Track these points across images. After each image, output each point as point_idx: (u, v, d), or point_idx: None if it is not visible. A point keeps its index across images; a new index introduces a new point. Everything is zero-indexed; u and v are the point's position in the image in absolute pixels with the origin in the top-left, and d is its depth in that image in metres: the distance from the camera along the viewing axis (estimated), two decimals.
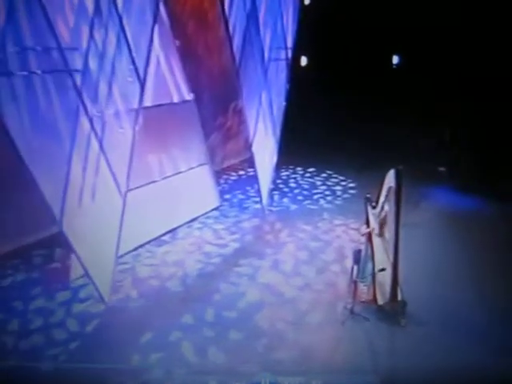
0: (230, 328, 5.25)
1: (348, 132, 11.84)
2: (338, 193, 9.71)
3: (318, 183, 10.32)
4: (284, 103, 8.94)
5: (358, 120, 11.89)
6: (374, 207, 5.76)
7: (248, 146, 8.40)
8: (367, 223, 5.83)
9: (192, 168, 8.13)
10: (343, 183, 10.31)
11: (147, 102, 6.82)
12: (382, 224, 5.67)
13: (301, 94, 12.12)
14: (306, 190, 9.91)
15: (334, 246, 7.26)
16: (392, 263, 5.46)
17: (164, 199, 7.56)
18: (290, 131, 12.18)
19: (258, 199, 8.73)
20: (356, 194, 9.49)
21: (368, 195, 5.92)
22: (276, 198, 9.40)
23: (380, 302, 5.52)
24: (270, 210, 8.71)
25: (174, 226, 7.84)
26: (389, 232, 5.57)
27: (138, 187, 7.00)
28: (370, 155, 10.53)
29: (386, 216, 5.58)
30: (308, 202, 9.20)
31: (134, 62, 5.68)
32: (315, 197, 9.45)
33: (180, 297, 5.93)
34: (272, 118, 8.64)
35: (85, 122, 5.11)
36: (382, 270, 5.42)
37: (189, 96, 7.86)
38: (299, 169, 11.33)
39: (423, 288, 5.88)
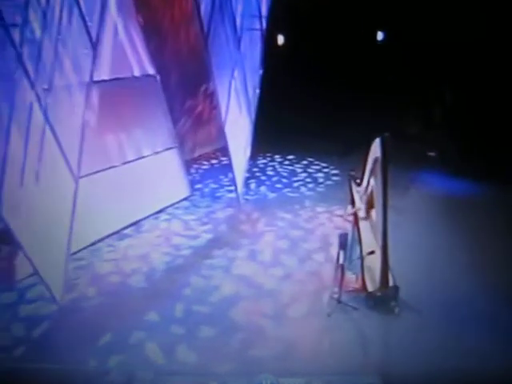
0: (202, 324, 4.96)
1: (329, 117, 11.64)
2: (320, 180, 9.59)
3: (299, 171, 10.17)
4: (260, 74, 8.60)
5: (340, 104, 11.69)
6: (358, 184, 5.52)
7: (221, 134, 8.10)
8: (352, 203, 5.59)
9: (157, 152, 7.76)
10: (325, 170, 10.19)
11: (103, 75, 6.42)
12: (369, 202, 5.45)
13: (277, 77, 11.98)
14: (285, 177, 9.74)
15: (318, 234, 7.10)
16: (381, 245, 5.23)
17: (126, 187, 7.19)
18: (267, 117, 12.08)
19: (232, 188, 8.50)
20: (339, 181, 9.33)
21: (352, 172, 5.68)
22: (252, 186, 9.21)
23: (370, 288, 5.30)
24: (246, 199, 8.50)
25: (138, 217, 7.46)
26: (376, 211, 5.35)
27: (94, 173, 6.60)
28: (353, 140, 10.35)
29: (372, 193, 5.34)
30: (288, 189, 9.03)
31: (85, 24, 5.27)
32: (295, 184, 9.30)
33: (144, 293, 5.60)
34: (247, 96, 8.34)
35: (26, 89, 4.69)
36: (371, 252, 5.19)
37: (152, 70, 7.46)
38: (277, 156, 11.15)
39: (416, 273, 5.76)
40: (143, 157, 7.51)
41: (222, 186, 9.12)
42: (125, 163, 7.20)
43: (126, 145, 7.19)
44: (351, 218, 5.61)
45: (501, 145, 9.77)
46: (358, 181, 5.55)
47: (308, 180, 9.57)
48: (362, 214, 5.55)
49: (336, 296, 5.29)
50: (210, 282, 5.76)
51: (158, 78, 7.64)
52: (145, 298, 5.52)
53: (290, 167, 10.42)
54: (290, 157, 11.05)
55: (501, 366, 4.27)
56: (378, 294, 5.21)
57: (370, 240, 5.43)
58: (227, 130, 7.84)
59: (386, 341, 4.80)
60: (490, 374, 4.17)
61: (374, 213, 5.44)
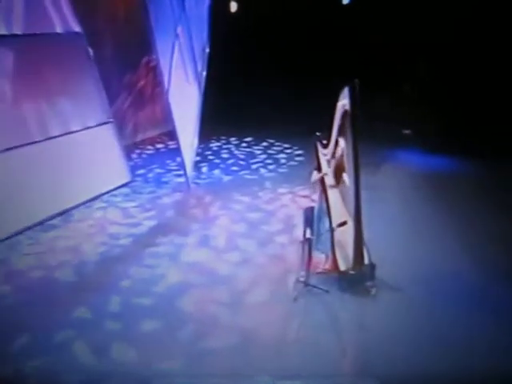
0: (144, 318, 4.62)
1: (290, 94, 11.52)
2: (283, 161, 9.55)
3: (257, 152, 10.12)
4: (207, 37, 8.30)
5: (303, 79, 11.56)
6: (325, 146, 5.29)
7: (168, 115, 7.74)
8: (319, 169, 5.35)
9: (89, 127, 7.28)
10: (288, 151, 10.16)
11: (16, 29, 5.93)
12: (338, 166, 5.22)
13: (228, 48, 11.78)
14: (242, 160, 9.64)
15: (280, 216, 6.97)
16: (354, 216, 5.00)
17: (50, 169, 6.69)
18: (220, 95, 11.92)
19: (181, 172, 8.28)
20: (304, 161, 9.21)
21: (318, 133, 5.44)
22: (204, 169, 8.97)
23: (342, 267, 5.05)
24: (197, 183, 8.27)
25: (67, 206, 6.98)
26: (348, 176, 5.12)
27: (8, 149, 6.07)
28: (319, 119, 10.33)
29: (342, 155, 5.12)
30: (245, 172, 8.91)
31: None
32: (254, 166, 9.19)
33: (73, 287, 5.20)
34: (194, 62, 8.01)
35: None
36: (342, 224, 4.96)
37: (78, 28, 7.00)
38: (233, 139, 10.98)
39: (394, 250, 5.70)
40: (72, 132, 7.00)
41: (169, 171, 8.93)
42: (48, 138, 6.67)
43: (50, 116, 6.66)
44: (318, 188, 5.35)
45: (478, 120, 9.98)
46: (325, 142, 5.30)
47: (268, 161, 9.49)
48: (330, 180, 5.30)
49: (303, 279, 5.03)
50: (153, 272, 5.48)
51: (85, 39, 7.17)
52: (73, 292, 5.12)
53: (248, 149, 10.35)
54: (248, 139, 10.93)
55: (493, 344, 4.19)
56: (352, 272, 4.97)
57: (340, 210, 5.21)
58: (174, 109, 7.54)
59: (361, 325, 4.59)
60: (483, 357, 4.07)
61: (344, 179, 5.19)
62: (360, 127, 4.79)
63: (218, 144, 10.72)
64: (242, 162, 9.45)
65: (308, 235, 5.00)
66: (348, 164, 5.11)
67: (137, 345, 4.30)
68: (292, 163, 9.38)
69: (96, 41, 7.91)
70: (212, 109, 11.85)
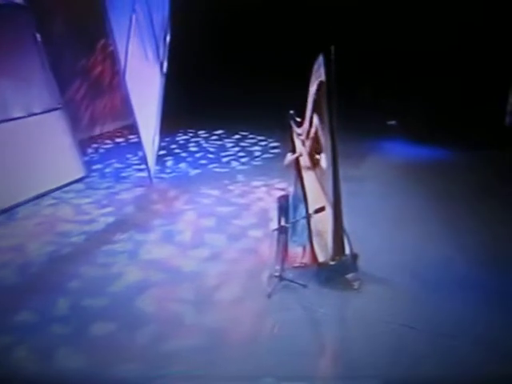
0: (96, 320, 4.47)
1: (265, 82, 11.49)
2: (257, 153, 9.56)
3: (229, 145, 10.11)
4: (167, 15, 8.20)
5: (279, 66, 11.53)
6: (300, 125, 5.21)
7: (128, 106, 7.61)
8: (293, 151, 5.26)
9: (35, 114, 7.09)
10: (263, 143, 10.18)
11: None
12: (314, 147, 5.13)
13: (195, 34, 11.73)
14: (212, 153, 9.60)
15: (254, 210, 6.95)
16: (332, 201, 4.94)
17: None
18: (187, 85, 11.88)
19: (142, 167, 8.22)
20: (280, 153, 9.12)
21: (292, 111, 5.35)
22: (170, 163, 8.93)
23: (321, 258, 4.96)
24: (161, 178, 8.18)
25: (10, 203, 6.78)
26: (324, 158, 5.05)
27: None
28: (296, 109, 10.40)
29: (317, 134, 5.04)
30: (215, 165, 8.87)
31: None
32: (225, 159, 9.16)
33: (15, 289, 5.01)
34: (154, 41, 7.89)
35: None
36: (320, 210, 4.85)
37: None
38: (202, 132, 10.93)
39: (378, 239, 5.74)
40: (13, 119, 6.80)
41: (130, 166, 8.89)
42: None
43: None
44: (293, 171, 5.25)
45: (464, 109, 10.19)
46: (300, 120, 5.21)
47: (241, 154, 9.49)
48: (305, 162, 5.21)
49: (278, 274, 4.94)
50: (108, 271, 5.38)
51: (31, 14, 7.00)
52: (15, 295, 4.94)
53: (219, 142, 10.35)
54: (219, 131, 10.89)
55: (484, 333, 4.19)
56: (332, 263, 4.89)
57: (317, 196, 5.11)
58: (133, 94, 7.42)
59: (343, 323, 4.53)
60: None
61: (321, 161, 5.11)
62: (338, 102, 4.70)
63: (186, 137, 10.72)
64: (211, 156, 9.42)
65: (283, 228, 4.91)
66: (324, 144, 5.03)
67: (87, 349, 4.13)
68: (267, 156, 9.36)
69: (44, 18, 7.77)
70: (179, 100, 11.90)
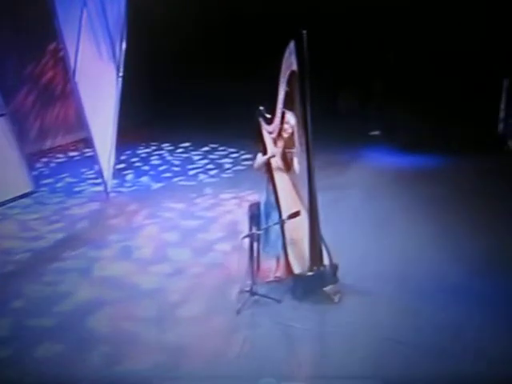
0: (42, 340, 4.39)
1: (238, 92, 11.58)
2: (227, 165, 9.68)
3: (196, 158, 10.22)
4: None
5: (250, 74, 11.64)
6: (270, 122, 5.19)
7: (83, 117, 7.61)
8: (264, 151, 5.24)
9: None
10: (234, 155, 10.32)
11: None
12: (287, 146, 5.13)
13: (158, 36, 11.83)
14: (176, 166, 9.72)
15: (223, 223, 6.99)
16: (308, 207, 4.93)
17: None
18: (150, 95, 11.96)
19: (98, 181, 8.27)
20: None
21: (261, 108, 5.34)
22: (130, 177, 9.04)
23: (297, 269, 4.93)
24: (119, 192, 8.25)
25: None
26: (299, 158, 5.05)
27: None
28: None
29: (290, 132, 5.05)
30: (180, 178, 8.96)
31: None
32: (191, 172, 9.25)
33: None
34: (109, 38, 7.88)
35: None
36: (294, 215, 4.84)
37: None
38: (166, 145, 11.02)
39: (361, 250, 5.81)
40: None
41: (84, 180, 8.92)
42: None
43: None
44: (264, 174, 5.24)
45: (451, 115, 10.54)
46: (270, 116, 5.19)
47: (210, 167, 9.61)
48: (278, 164, 5.20)
49: (249, 288, 4.89)
50: (55, 289, 5.31)
51: None
52: None
53: (185, 155, 10.47)
54: (185, 144, 10.98)
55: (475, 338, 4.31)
56: (310, 274, 4.86)
57: (291, 201, 5.09)
58: (87, 104, 7.47)
59: (322, 338, 4.52)
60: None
61: (295, 162, 5.12)
62: (312, 94, 4.73)
63: (148, 150, 10.78)
64: (176, 169, 9.50)
65: (254, 235, 4.87)
66: (299, 142, 5.03)
67: (30, 372, 4.02)
68: (239, 168, 9.46)
69: None
70: (140, 110, 11.97)
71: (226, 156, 10.22)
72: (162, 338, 4.43)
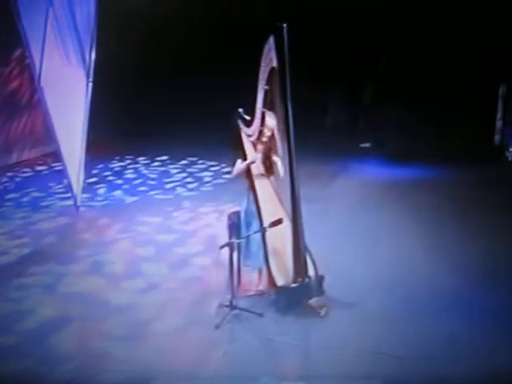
0: (4, 359, 4.30)
1: (218, 102, 11.67)
2: (207, 179, 9.83)
3: (174, 171, 10.37)
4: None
5: (231, 84, 11.73)
6: (249, 124, 5.20)
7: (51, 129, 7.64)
8: (243, 156, 5.23)
9: None
10: (214, 168, 10.48)
11: None
12: (268, 150, 5.15)
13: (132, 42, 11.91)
14: (152, 179, 9.86)
15: (201, 236, 7.07)
16: (291, 215, 4.92)
17: None
18: (125, 106, 12.04)
19: (68, 195, 8.34)
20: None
21: (240, 109, 5.35)
22: (102, 191, 9.14)
23: (280, 281, 4.91)
24: (90, 206, 8.32)
25: None
26: (280, 162, 5.06)
27: None
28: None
29: (273, 135, 5.07)
30: (156, 192, 9.07)
31: None
32: (168, 186, 9.39)
33: None
34: (77, 40, 7.89)
35: None
36: (276, 223, 4.82)
37: None
38: (142, 158, 11.10)
39: (348, 262, 5.88)
40: None
41: (52, 194, 8.96)
42: None
43: None
44: (245, 179, 5.25)
45: (446, 124, 10.97)
46: (249, 118, 5.20)
47: (188, 180, 9.75)
48: (258, 170, 5.20)
49: (228, 302, 4.86)
50: (18, 306, 5.23)
51: None
52: None
53: (162, 168, 10.63)
54: (163, 158, 11.08)
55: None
56: (294, 285, 4.84)
57: (273, 209, 5.09)
58: (54, 112, 7.49)
59: (306, 352, 4.49)
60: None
61: (277, 167, 5.12)
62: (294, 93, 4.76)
63: (122, 164, 10.89)
64: (152, 182, 9.61)
65: (234, 246, 4.85)
66: (280, 146, 5.04)
67: None
68: (219, 181, 9.60)
69: None
70: (114, 122, 12.04)
71: (205, 169, 10.39)
72: (134, 355, 4.38)
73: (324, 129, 12.57)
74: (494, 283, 5.39)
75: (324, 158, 10.25)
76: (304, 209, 4.98)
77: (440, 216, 7.32)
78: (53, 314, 5.05)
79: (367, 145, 11.94)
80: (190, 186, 9.32)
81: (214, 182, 9.55)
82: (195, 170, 10.32)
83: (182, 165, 10.69)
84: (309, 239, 5.00)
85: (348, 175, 9.53)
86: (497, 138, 11.23)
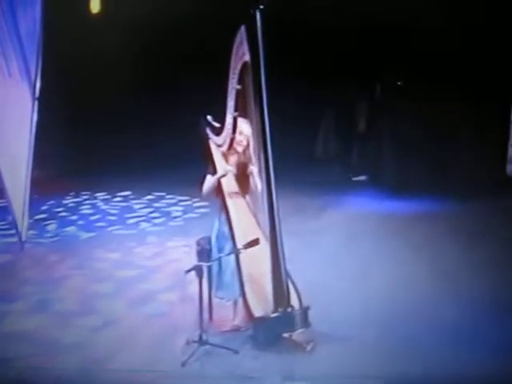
0: None
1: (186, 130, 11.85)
2: (177, 213, 10.10)
3: (137, 207, 10.61)
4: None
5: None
6: (219, 132, 5.21)
7: None
8: (213, 170, 5.22)
9: None
10: (185, 203, 10.71)
11: None
12: (242, 162, 5.18)
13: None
14: (113, 215, 10.05)
15: (167, 272, 7.22)
16: (270, 238, 4.92)
17: None
18: (80, 137, 12.17)
19: (11, 232, 8.48)
20: (209, 213, 9.39)
21: (208, 116, 5.35)
22: (52, 227, 9.33)
23: (258, 312, 4.88)
24: (37, 243, 8.52)
25: None
26: (257, 176, 5.07)
27: None
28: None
29: (247, 145, 5.11)
30: (116, 227, 9.25)
31: None
32: (131, 221, 9.56)
33: None
34: (21, 48, 7.94)
35: None
36: (252, 243, 4.81)
37: None
38: (101, 194, 11.29)
39: (338, 292, 6.05)
40: None
41: None
42: None
43: None
44: (215, 197, 5.27)
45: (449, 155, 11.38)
46: (219, 125, 5.21)
47: (154, 215, 9.99)
48: (230, 185, 5.20)
49: (197, 338, 4.83)
50: None
51: None
52: None
53: (123, 203, 10.87)
54: (125, 193, 11.26)
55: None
56: (273, 316, 4.81)
57: (249, 230, 5.08)
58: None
59: None
60: None
61: (252, 181, 5.14)
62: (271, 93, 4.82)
63: (78, 200, 11.10)
64: (112, 218, 9.82)
65: (203, 270, 4.90)
66: (256, 156, 5.05)
67: None
68: (191, 215, 9.86)
69: None
70: (68, 156, 12.18)
71: (174, 204, 10.67)
72: None
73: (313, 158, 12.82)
74: (496, 315, 5.52)
75: (312, 190, 10.60)
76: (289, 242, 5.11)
77: (437, 248, 7.71)
78: None
79: (362, 178, 12.11)
80: (156, 221, 9.54)
81: (185, 216, 9.81)
82: (163, 205, 10.60)
83: (147, 200, 10.96)
84: (296, 271, 5.11)
85: (342, 208, 9.90)
86: (510, 168, 11.43)
